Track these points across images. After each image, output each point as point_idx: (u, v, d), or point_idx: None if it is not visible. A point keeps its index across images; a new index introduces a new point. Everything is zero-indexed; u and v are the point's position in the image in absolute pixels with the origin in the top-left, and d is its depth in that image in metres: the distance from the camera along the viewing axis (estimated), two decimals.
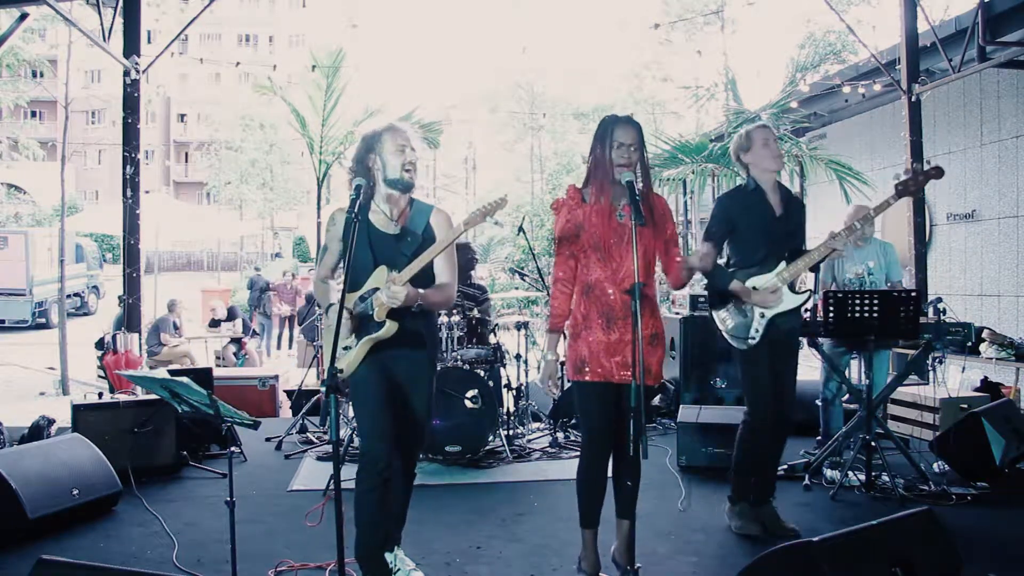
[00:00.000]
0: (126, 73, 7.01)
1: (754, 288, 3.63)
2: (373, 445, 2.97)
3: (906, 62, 7.67)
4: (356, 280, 3.00)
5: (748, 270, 3.68)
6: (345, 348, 2.98)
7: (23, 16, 6.58)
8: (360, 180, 2.89)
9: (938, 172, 3.67)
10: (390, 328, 2.93)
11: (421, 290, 2.93)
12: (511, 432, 5.48)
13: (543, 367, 3.13)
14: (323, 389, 3.34)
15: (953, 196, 9.36)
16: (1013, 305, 8.57)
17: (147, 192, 9.09)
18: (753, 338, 3.66)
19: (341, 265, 3.01)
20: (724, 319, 3.77)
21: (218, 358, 10.40)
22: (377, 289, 2.92)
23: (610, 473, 3.11)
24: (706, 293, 6.66)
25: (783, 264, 3.64)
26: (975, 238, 9.06)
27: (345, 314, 2.90)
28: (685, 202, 15.55)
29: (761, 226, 3.67)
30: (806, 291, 3.71)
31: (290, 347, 13.71)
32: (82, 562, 2.50)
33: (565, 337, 3.19)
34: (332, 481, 2.59)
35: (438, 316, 4.69)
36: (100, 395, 5.32)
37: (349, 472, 3.09)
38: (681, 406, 5.26)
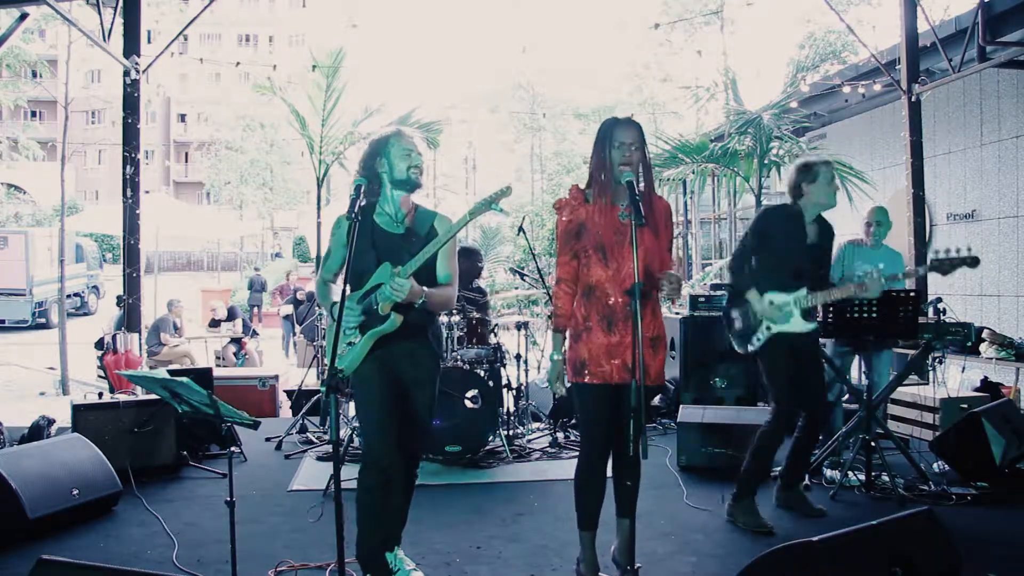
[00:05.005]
0: (126, 73, 7.01)
1: (770, 303, 3.80)
2: (376, 444, 2.98)
3: (906, 62, 7.67)
4: (360, 280, 3.01)
5: (770, 286, 3.83)
6: (349, 344, 2.99)
7: (23, 16, 6.58)
8: (360, 179, 2.93)
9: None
10: (395, 321, 2.94)
11: (425, 288, 2.95)
12: (511, 432, 5.48)
13: (550, 367, 3.12)
14: (323, 389, 3.34)
15: (953, 196, 9.35)
16: (1013, 305, 8.56)
17: (147, 192, 9.09)
18: (753, 345, 3.89)
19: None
20: (734, 319, 3.99)
21: (218, 358, 10.39)
22: (381, 284, 2.93)
23: (609, 473, 3.11)
24: (711, 292, 6.74)
25: (804, 291, 3.80)
26: (975, 238, 9.05)
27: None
28: (685, 202, 15.58)
29: (793, 250, 3.84)
30: (815, 323, 3.88)
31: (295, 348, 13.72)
32: (82, 562, 2.50)
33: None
34: (332, 481, 2.59)
35: (438, 317, 4.70)
36: (100, 395, 5.31)
37: (349, 472, 3.09)
38: (681, 406, 5.26)
